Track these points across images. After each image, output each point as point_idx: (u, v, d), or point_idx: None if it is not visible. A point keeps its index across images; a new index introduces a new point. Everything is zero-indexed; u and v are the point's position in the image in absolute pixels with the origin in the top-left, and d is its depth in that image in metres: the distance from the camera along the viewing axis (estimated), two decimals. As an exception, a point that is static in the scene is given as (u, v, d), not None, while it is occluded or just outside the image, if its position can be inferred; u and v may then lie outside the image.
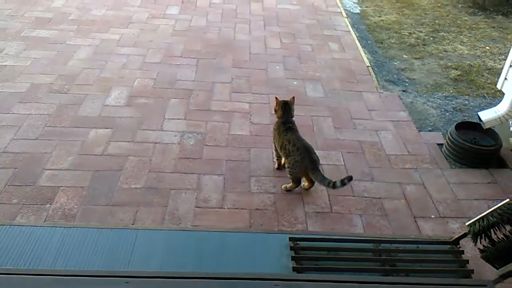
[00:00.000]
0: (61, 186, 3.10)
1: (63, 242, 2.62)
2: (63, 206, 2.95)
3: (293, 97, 3.33)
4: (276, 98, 3.30)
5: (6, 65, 4.55)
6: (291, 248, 2.66)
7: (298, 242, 2.71)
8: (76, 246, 2.61)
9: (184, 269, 2.49)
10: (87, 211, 2.93)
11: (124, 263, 2.53)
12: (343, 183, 2.92)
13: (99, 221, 2.85)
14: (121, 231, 2.75)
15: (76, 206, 2.95)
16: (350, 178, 2.95)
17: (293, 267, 2.54)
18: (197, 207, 3.02)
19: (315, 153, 3.12)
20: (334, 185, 2.94)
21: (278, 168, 3.37)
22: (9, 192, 3.02)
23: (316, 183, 3.11)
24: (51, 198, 3.00)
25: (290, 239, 2.72)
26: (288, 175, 3.18)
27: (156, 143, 3.61)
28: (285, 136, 3.16)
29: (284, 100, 3.27)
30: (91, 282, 1.95)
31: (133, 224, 2.86)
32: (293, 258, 2.60)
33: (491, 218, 2.32)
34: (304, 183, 3.19)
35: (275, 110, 3.30)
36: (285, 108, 3.24)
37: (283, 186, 3.20)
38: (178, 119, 3.93)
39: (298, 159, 3.06)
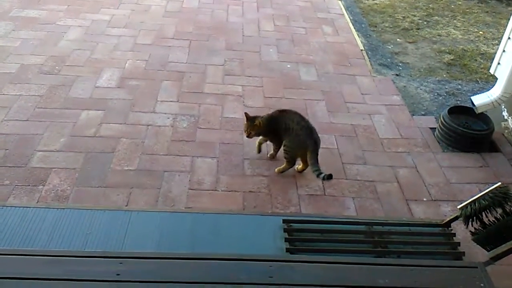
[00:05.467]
0: (53, 168, 3.07)
1: (56, 224, 2.61)
2: (56, 187, 2.93)
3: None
4: (245, 113, 3.21)
5: (-5, 45, 4.48)
6: (285, 230, 2.67)
7: (291, 224, 2.72)
8: (69, 227, 2.60)
9: (178, 250, 2.49)
10: (80, 193, 2.91)
11: (118, 245, 2.53)
12: (327, 177, 2.97)
13: (92, 203, 2.84)
14: (114, 213, 2.74)
15: (69, 188, 2.93)
16: (330, 176, 2.99)
17: (286, 249, 2.56)
18: (190, 189, 3.02)
19: (317, 133, 3.14)
20: (318, 175, 2.99)
21: (272, 157, 3.32)
22: (0, 173, 2.99)
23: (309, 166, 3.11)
24: (44, 179, 2.97)
25: (284, 221, 2.73)
26: (284, 155, 3.17)
27: (148, 125, 3.58)
28: (286, 115, 3.17)
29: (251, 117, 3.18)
30: (85, 263, 1.95)
31: (126, 206, 2.85)
32: (286, 240, 2.61)
33: (483, 202, 2.34)
34: (298, 165, 3.19)
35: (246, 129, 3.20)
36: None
37: (276, 169, 3.20)
38: (171, 101, 3.90)
39: (302, 136, 3.07)
